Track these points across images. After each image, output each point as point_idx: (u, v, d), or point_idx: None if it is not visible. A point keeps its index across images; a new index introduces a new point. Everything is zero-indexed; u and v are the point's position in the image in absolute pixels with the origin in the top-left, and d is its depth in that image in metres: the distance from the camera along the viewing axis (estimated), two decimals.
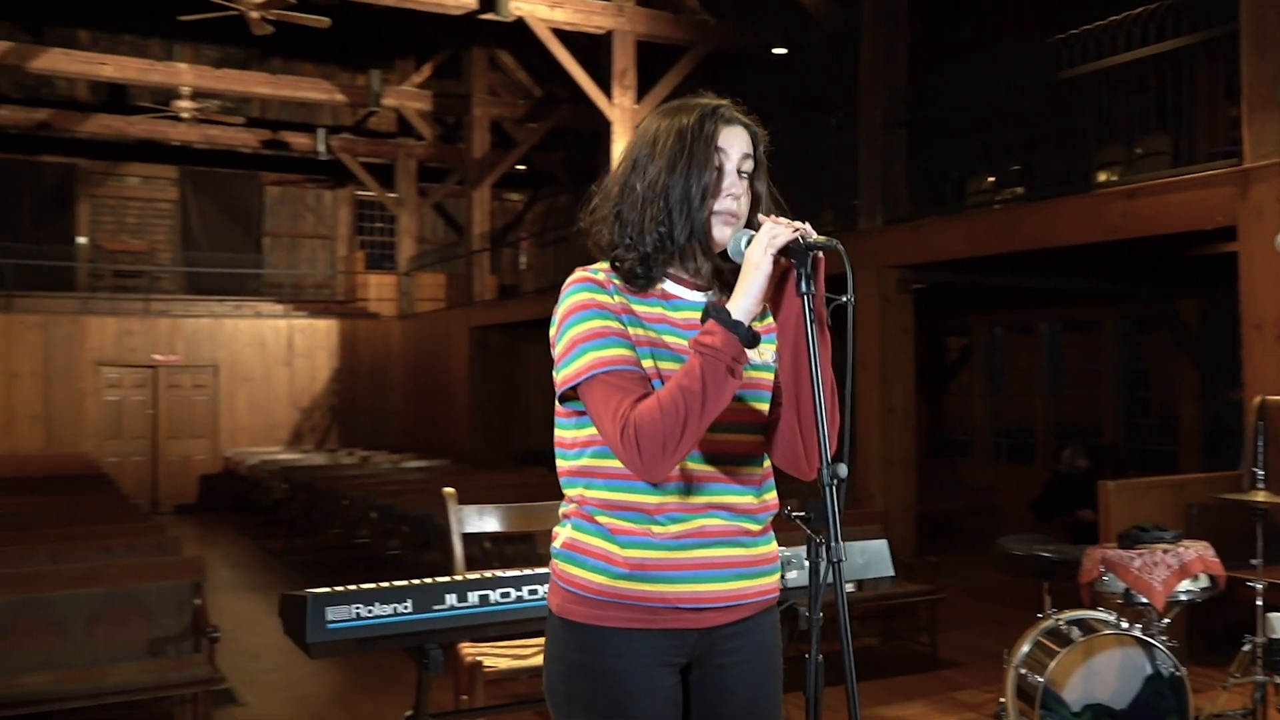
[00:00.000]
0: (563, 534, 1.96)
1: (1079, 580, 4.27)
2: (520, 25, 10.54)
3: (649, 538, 1.86)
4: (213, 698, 5.87)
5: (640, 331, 1.87)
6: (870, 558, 3.30)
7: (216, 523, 14.14)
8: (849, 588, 3.33)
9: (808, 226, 1.80)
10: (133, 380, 15.21)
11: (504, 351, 14.26)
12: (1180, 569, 3.96)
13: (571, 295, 1.89)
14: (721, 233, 1.89)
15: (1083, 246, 6.34)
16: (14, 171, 16.47)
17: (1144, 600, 3.99)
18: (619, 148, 10.88)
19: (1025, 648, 3.99)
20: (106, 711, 5.32)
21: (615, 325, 1.86)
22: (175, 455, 15.42)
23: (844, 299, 1.77)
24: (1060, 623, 3.97)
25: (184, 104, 13.44)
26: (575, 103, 11.59)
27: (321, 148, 16.24)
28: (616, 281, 1.90)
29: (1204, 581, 4.06)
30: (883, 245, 7.49)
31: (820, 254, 1.78)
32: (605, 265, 1.94)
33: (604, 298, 1.87)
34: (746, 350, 1.78)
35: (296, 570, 10.28)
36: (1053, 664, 3.80)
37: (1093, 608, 4.15)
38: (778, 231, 1.77)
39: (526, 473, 10.98)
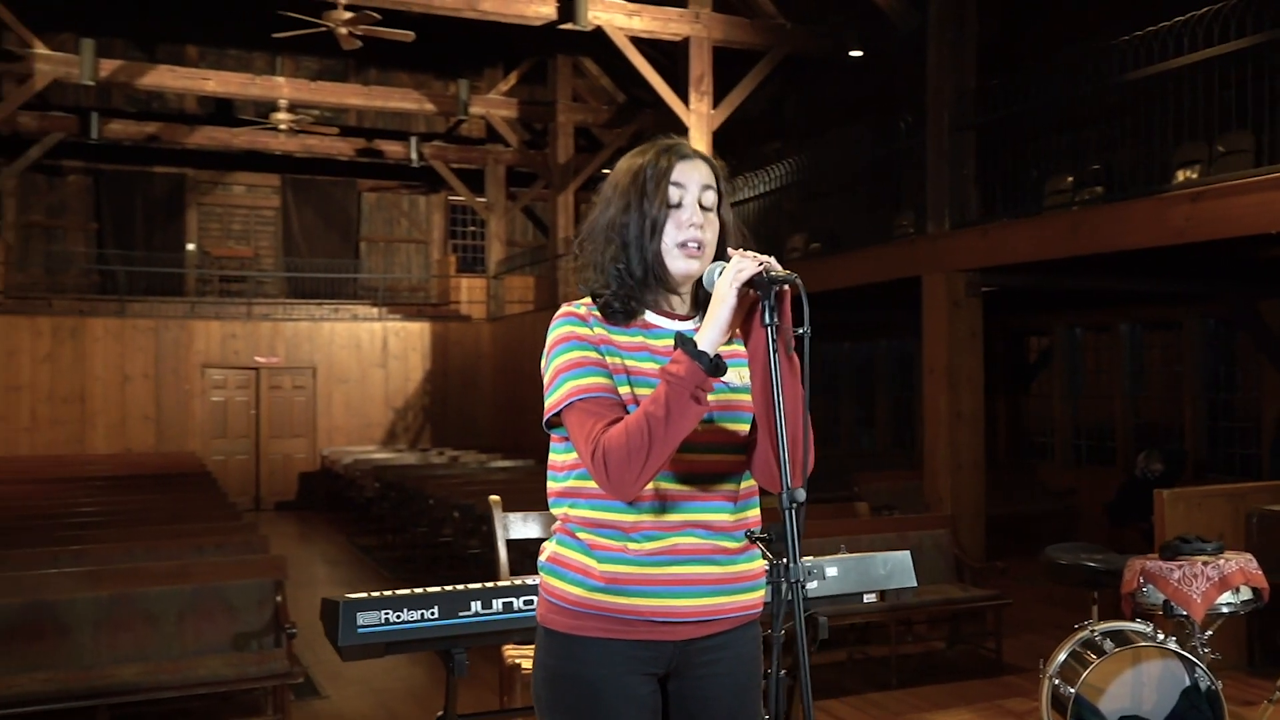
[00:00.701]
0: (548, 549, 2.09)
1: (1120, 591, 4.27)
2: (600, 33, 10.73)
3: (624, 554, 1.97)
4: (296, 689, 6.19)
5: (618, 360, 1.98)
6: (893, 568, 3.36)
7: (314, 519, 14.67)
8: (871, 598, 3.45)
9: (772, 260, 1.89)
10: (236, 381, 15.86)
11: None
12: (1220, 581, 3.94)
13: (555, 329, 2.03)
14: (684, 265, 2.00)
15: (1154, 249, 6.27)
16: (128, 182, 17.27)
17: (1183, 612, 3.98)
18: None
19: (1060, 658, 4.02)
20: (191, 702, 5.66)
21: (593, 355, 1.98)
22: (276, 454, 16.03)
23: (800, 330, 1.87)
24: (1095, 634, 3.99)
25: (282, 116, 13.96)
26: (657, 107, 11.73)
27: (414, 155, 16.69)
28: (596, 314, 2.02)
29: (1246, 594, 4.03)
30: (950, 249, 7.48)
31: (785, 287, 1.87)
32: (588, 300, 2.07)
33: (583, 330, 2.00)
34: (718, 376, 1.88)
35: (386, 567, 10.64)
36: (1085, 674, 3.83)
37: (1133, 619, 4.15)
38: (743, 265, 1.87)
39: None
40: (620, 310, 2.02)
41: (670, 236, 1.99)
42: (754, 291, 1.89)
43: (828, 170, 10.22)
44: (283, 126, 14.12)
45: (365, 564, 10.99)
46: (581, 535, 2.02)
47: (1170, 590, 3.99)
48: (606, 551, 1.98)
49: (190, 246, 17.70)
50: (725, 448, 2.03)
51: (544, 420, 2.03)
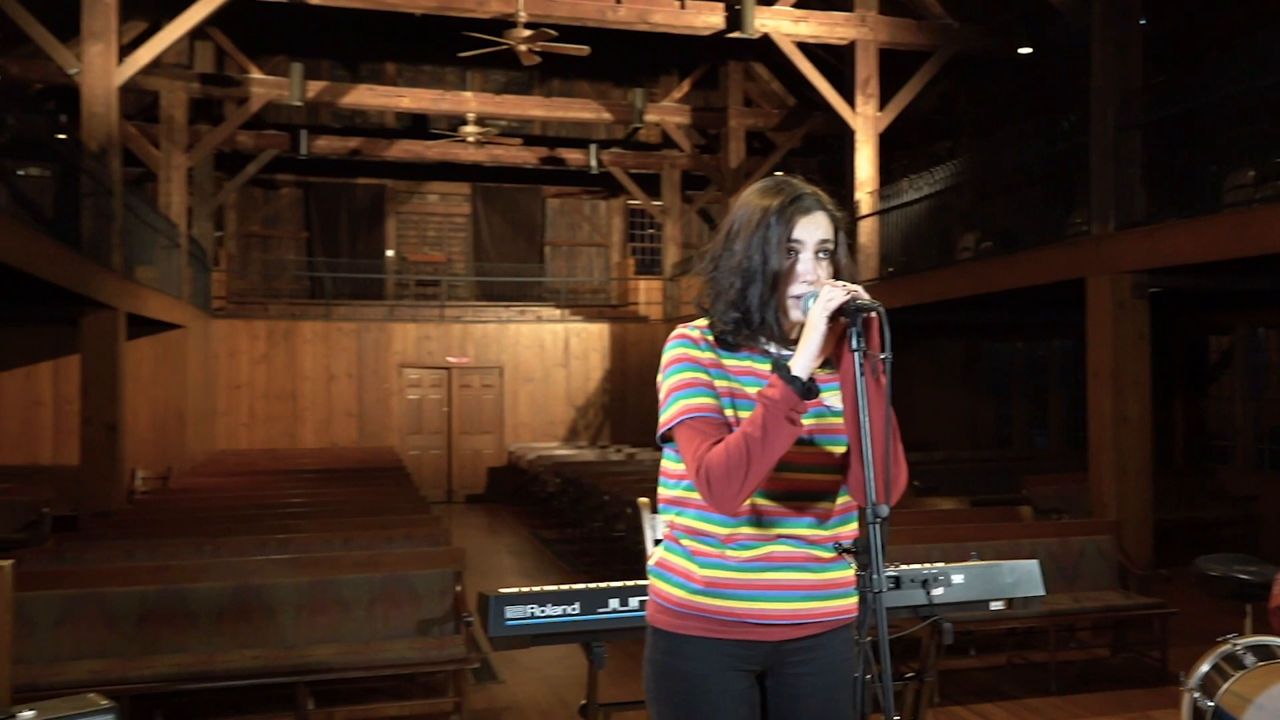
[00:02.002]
0: (656, 554, 2.28)
1: (1269, 605, 4.21)
2: (768, 39, 10.91)
3: (722, 560, 2.14)
4: (475, 673, 6.66)
5: (725, 383, 2.14)
6: (1019, 577, 3.44)
7: (501, 512, 15.39)
8: (998, 605, 3.56)
9: (860, 290, 2.02)
10: (430, 380, 16.80)
11: None
12: None
13: (670, 350, 2.20)
14: (797, 316, 2.13)
15: None
16: (334, 193, 18.53)
17: None
18: (862, 157, 11.06)
19: (1202, 670, 4.02)
20: (381, 682, 6.17)
21: (703, 377, 2.14)
22: (467, 449, 16.89)
23: (884, 355, 2.00)
24: (1238, 648, 3.98)
25: (469, 129, 14.73)
26: (827, 110, 11.86)
27: (593, 162, 17.27)
28: (710, 338, 2.19)
29: None
30: (1115, 250, 7.35)
31: (871, 314, 1.98)
32: (703, 323, 2.22)
33: (695, 352, 2.17)
34: (811, 399, 2.00)
35: (565, 559, 11.12)
36: (1224, 688, 3.83)
37: None
38: (833, 295, 1.99)
39: None
40: (733, 343, 2.19)
41: (787, 289, 2.13)
42: (843, 319, 2.01)
43: (998, 169, 10.09)
44: (470, 139, 14.89)
45: (545, 556, 11.49)
46: (685, 542, 2.20)
47: None
48: (706, 558, 2.15)
49: (389, 253, 18.81)
50: (821, 468, 2.17)
51: (658, 435, 2.20)
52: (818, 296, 2.03)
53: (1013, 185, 10.04)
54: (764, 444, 1.98)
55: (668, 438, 2.18)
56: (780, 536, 2.15)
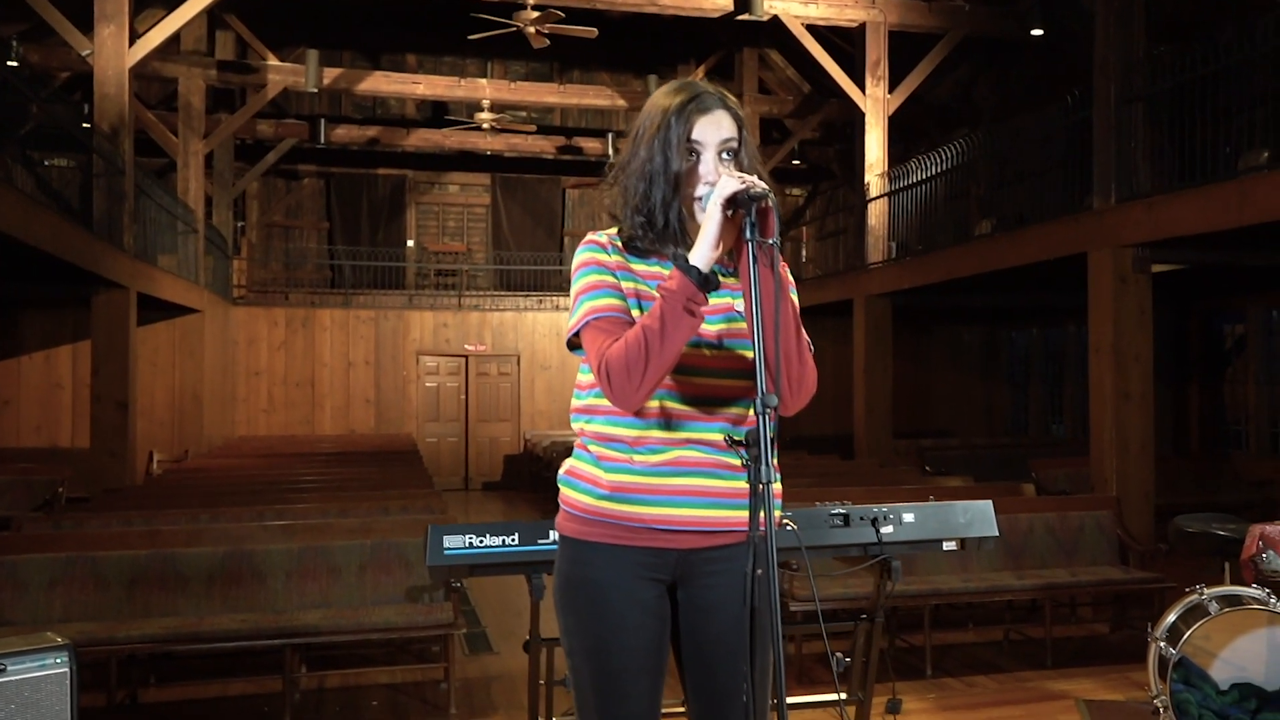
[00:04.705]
0: (566, 463, 2.25)
1: (1240, 558, 4.17)
2: (780, 23, 10.87)
3: (629, 465, 2.11)
4: (471, 644, 6.69)
5: (631, 285, 2.12)
6: (973, 517, 3.40)
7: (517, 499, 15.45)
8: (951, 545, 3.52)
9: (756, 180, 1.97)
10: (448, 369, 16.87)
11: None
12: None
13: (578, 255, 2.17)
14: (700, 218, 2.07)
15: None
16: (355, 184, 18.66)
17: None
18: (872, 139, 11.00)
19: (1168, 620, 3.99)
20: (372, 649, 6.21)
21: (609, 279, 2.12)
22: (484, 437, 16.96)
23: (771, 240, 1.97)
24: (1205, 597, 3.94)
25: (485, 116, 14.78)
26: (842, 96, 11.80)
27: (611, 151, 17.28)
28: (618, 244, 2.17)
29: None
30: (1116, 224, 7.26)
31: (767, 204, 1.95)
32: (612, 230, 2.20)
33: (602, 256, 2.15)
34: (710, 290, 1.97)
35: None
36: (1187, 635, 3.79)
37: (1254, 587, 4.05)
38: (727, 184, 1.95)
39: (794, 456, 11.26)
40: (642, 249, 2.17)
41: (690, 190, 2.11)
42: (739, 210, 1.96)
43: (1012, 154, 10.00)
44: (486, 126, 14.94)
45: None
46: (593, 449, 2.17)
47: None
48: (613, 463, 2.12)
49: (410, 243, 18.92)
50: (731, 373, 2.13)
51: (566, 341, 2.18)
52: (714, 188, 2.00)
53: (1031, 171, 9.93)
54: (662, 335, 1.95)
55: (575, 344, 2.15)
56: (689, 441, 2.11)
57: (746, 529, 2.05)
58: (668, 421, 2.11)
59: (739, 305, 2.15)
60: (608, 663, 2.14)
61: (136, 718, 5.43)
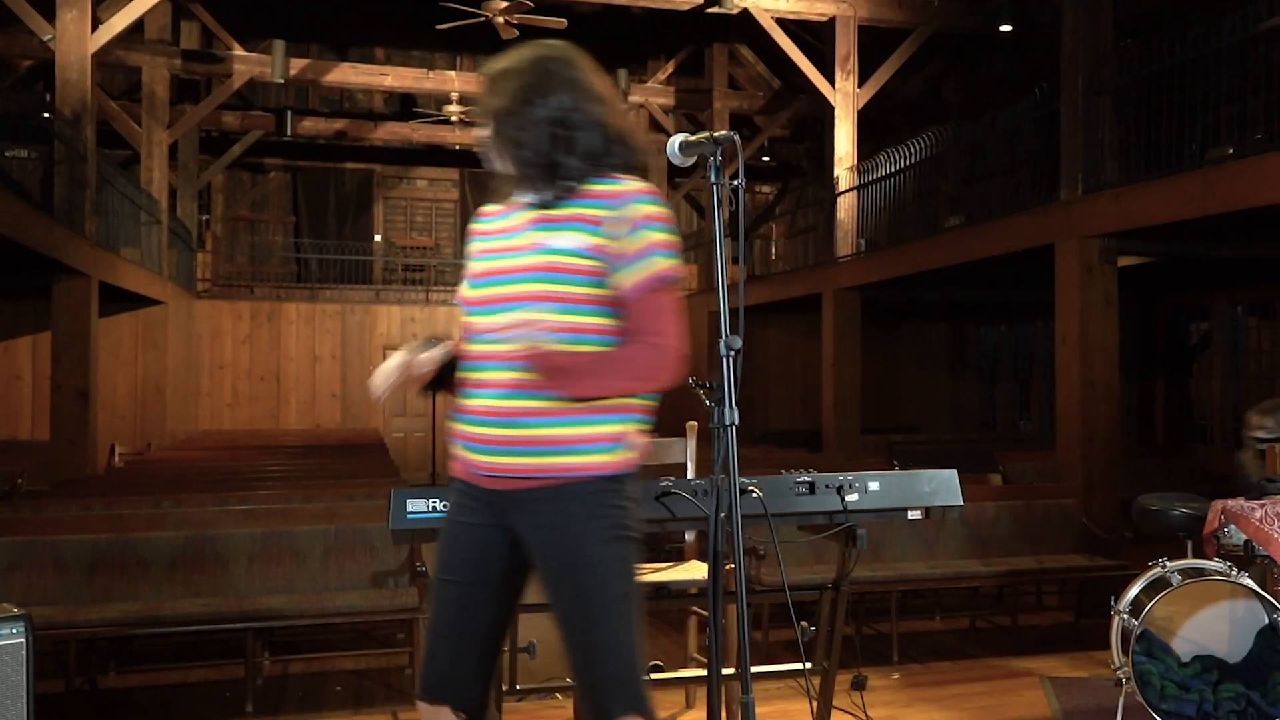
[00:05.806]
0: None
1: (1203, 533, 4.21)
2: (751, 18, 10.89)
3: (458, 410, 2.23)
4: None
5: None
6: (938, 485, 3.39)
7: None
8: (916, 514, 3.50)
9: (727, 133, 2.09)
10: None
11: (745, 335, 14.62)
12: None
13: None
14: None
15: None
16: (322, 178, 18.53)
17: (1264, 553, 3.91)
18: (841, 133, 11.04)
19: (1131, 593, 4.01)
20: (337, 635, 6.15)
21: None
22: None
23: (736, 183, 2.04)
24: (1167, 570, 3.97)
25: (453, 109, 14.70)
26: (811, 92, 11.84)
27: None
28: None
29: None
30: (1082, 215, 7.32)
31: (732, 146, 2.05)
32: None
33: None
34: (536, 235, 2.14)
35: None
36: (1149, 607, 3.81)
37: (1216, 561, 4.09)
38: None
39: (762, 450, 11.29)
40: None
41: None
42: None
43: (981, 149, 10.05)
44: (454, 118, 14.86)
45: None
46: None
47: (1251, 530, 3.93)
48: (456, 408, 2.26)
49: (377, 238, 18.81)
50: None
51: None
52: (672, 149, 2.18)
53: (1000, 169, 9.98)
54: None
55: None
56: (482, 386, 2.16)
57: (550, 475, 2.11)
58: (470, 364, 2.23)
59: (550, 242, 2.14)
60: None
61: (96, 703, 5.34)
